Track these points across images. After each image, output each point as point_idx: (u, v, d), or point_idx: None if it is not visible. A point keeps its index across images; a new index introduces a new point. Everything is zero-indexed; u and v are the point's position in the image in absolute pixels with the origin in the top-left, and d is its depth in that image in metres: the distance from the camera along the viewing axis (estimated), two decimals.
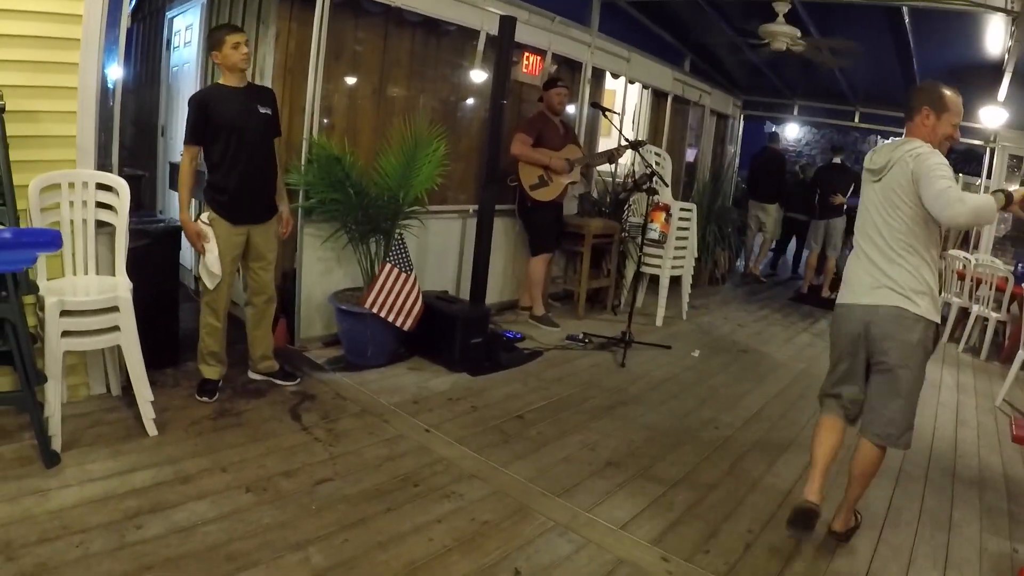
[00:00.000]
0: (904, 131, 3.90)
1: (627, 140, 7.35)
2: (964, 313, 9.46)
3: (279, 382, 5.19)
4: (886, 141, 4.17)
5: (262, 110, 4.68)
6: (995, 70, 8.54)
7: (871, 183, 3.81)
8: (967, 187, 17.45)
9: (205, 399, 4.73)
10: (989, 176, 11.53)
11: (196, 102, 4.57)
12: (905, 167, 3.57)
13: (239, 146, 4.60)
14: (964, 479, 5.15)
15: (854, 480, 3.93)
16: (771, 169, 12.60)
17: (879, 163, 3.77)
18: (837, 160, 11.95)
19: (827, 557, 3.81)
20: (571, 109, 8.50)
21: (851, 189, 11.26)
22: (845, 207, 11.31)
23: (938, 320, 3.65)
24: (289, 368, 5.33)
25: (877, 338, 3.67)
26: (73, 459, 3.73)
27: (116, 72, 4.86)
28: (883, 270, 3.64)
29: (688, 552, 3.69)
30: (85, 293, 4.02)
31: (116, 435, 4.07)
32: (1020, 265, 9.32)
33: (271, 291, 5.07)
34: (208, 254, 4.63)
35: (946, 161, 3.52)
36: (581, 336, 7.23)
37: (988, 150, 11.55)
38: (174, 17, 7.64)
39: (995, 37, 7.77)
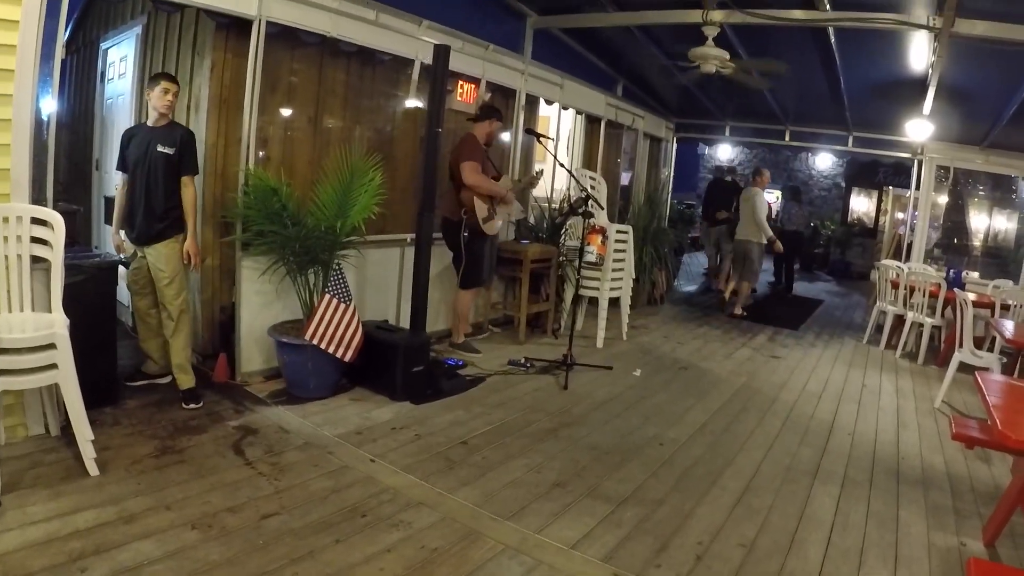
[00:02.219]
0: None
1: (537, 172, 7.47)
2: (900, 320, 9.71)
3: (159, 380, 5.60)
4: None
5: (160, 149, 5.14)
6: (920, 85, 8.81)
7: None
8: (897, 199, 17.96)
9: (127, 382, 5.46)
10: (918, 187, 11.84)
11: (122, 136, 5.39)
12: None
13: (133, 177, 5.25)
14: (908, 479, 5.30)
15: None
16: (727, 196, 13.87)
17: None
18: (728, 178, 15.00)
19: (778, 563, 3.88)
20: (505, 136, 8.57)
21: (734, 203, 12.88)
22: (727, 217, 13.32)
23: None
24: (192, 392, 5.38)
25: None
26: (13, 502, 3.64)
27: (50, 104, 4.82)
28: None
29: (640, 567, 3.73)
30: (21, 330, 3.94)
31: (57, 476, 3.99)
32: (951, 271, 9.58)
33: (171, 307, 5.30)
34: None
35: None
36: (523, 360, 7.25)
37: (916, 162, 11.89)
38: (109, 48, 7.54)
39: (919, 53, 8.03)
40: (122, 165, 5.33)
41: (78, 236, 6.85)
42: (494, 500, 4.34)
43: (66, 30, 4.70)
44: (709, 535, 4.15)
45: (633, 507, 4.42)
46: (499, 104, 8.19)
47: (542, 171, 7.47)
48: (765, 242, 11.44)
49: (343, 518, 3.94)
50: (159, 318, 5.38)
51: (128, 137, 5.31)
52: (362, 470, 4.57)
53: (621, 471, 4.96)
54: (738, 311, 11.63)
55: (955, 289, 8.37)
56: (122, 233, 5.45)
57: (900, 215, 17.25)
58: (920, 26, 6.96)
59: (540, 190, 9.31)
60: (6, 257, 4.17)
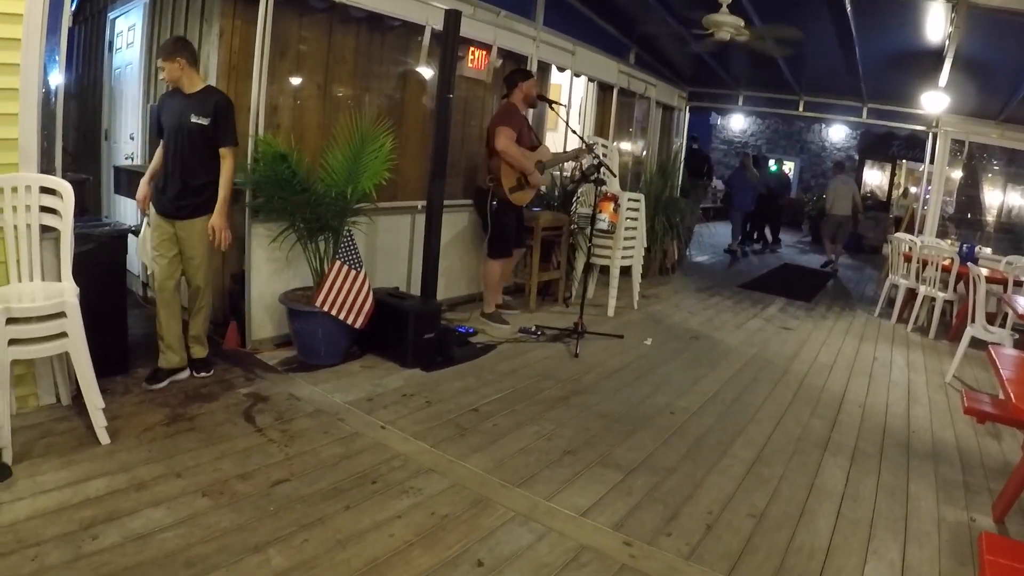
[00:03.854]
0: None
1: (593, 140, 7.37)
2: (912, 294, 9.66)
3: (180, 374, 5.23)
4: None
5: (194, 119, 4.93)
6: (936, 56, 8.71)
7: None
8: (910, 172, 18.02)
9: (144, 384, 4.99)
10: (932, 161, 11.74)
11: (156, 104, 5.28)
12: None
13: (167, 147, 5.07)
14: (919, 453, 5.29)
15: None
16: (698, 162, 15.80)
17: None
18: (695, 146, 17.10)
19: (788, 534, 3.88)
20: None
21: (704, 168, 15.57)
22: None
23: None
24: (203, 361, 5.35)
25: None
26: (25, 471, 3.66)
27: (57, 74, 4.79)
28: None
29: (650, 536, 3.73)
30: (31, 299, 3.94)
31: (68, 445, 4.00)
32: (964, 246, 9.52)
33: (196, 282, 5.18)
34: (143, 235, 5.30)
35: None
36: (534, 328, 7.24)
37: (931, 135, 11.77)
38: (116, 18, 7.50)
39: (935, 24, 7.93)
40: (158, 132, 5.16)
41: (87, 205, 6.84)
42: (504, 467, 4.35)
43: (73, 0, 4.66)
44: (719, 504, 4.15)
45: (644, 475, 4.43)
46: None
47: (590, 145, 7.41)
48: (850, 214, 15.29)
49: (353, 484, 3.94)
50: (174, 291, 5.14)
51: (161, 104, 5.15)
52: (372, 437, 4.58)
53: (632, 439, 4.97)
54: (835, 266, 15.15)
55: (968, 264, 8.32)
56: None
57: (913, 189, 17.29)
58: None
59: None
60: (15, 227, 4.14)
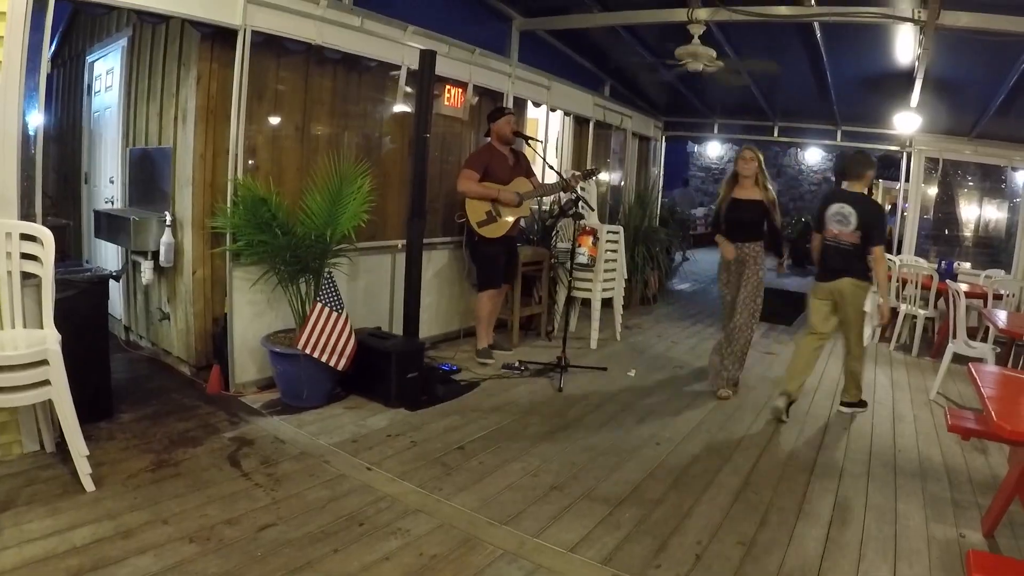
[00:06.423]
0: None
1: (587, 169, 7.44)
2: (893, 313, 9.69)
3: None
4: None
5: None
6: (906, 78, 8.83)
7: None
8: (887, 192, 18.12)
9: None
10: (907, 179, 11.85)
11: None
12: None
13: None
14: (906, 472, 5.32)
15: None
16: None
17: None
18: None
19: (778, 560, 3.88)
20: None
21: None
22: None
23: None
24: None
25: None
26: (9, 520, 3.63)
27: (37, 118, 4.79)
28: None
29: (639, 568, 3.73)
30: (13, 347, 3.93)
31: (53, 492, 3.97)
32: (943, 262, 9.60)
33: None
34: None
35: None
36: (517, 364, 7.24)
37: (905, 155, 11.90)
38: (95, 61, 7.50)
39: (905, 46, 8.06)
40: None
41: (68, 250, 6.82)
42: (492, 505, 4.34)
43: (51, 44, 4.67)
44: (708, 534, 4.15)
45: (631, 508, 4.42)
46: (487, 108, 8.18)
47: (585, 172, 7.50)
48: None
49: (341, 527, 3.93)
50: None
51: None
52: (359, 478, 4.56)
53: (618, 472, 4.97)
54: None
55: (947, 280, 8.39)
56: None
57: (888, 207, 17.51)
58: (905, 19, 6.99)
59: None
60: None
